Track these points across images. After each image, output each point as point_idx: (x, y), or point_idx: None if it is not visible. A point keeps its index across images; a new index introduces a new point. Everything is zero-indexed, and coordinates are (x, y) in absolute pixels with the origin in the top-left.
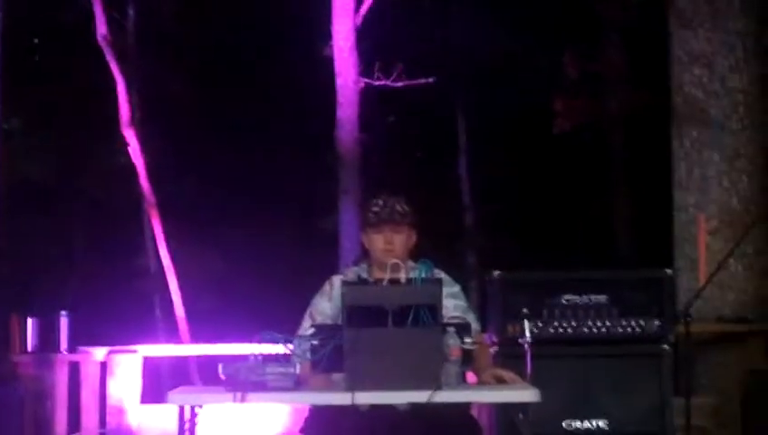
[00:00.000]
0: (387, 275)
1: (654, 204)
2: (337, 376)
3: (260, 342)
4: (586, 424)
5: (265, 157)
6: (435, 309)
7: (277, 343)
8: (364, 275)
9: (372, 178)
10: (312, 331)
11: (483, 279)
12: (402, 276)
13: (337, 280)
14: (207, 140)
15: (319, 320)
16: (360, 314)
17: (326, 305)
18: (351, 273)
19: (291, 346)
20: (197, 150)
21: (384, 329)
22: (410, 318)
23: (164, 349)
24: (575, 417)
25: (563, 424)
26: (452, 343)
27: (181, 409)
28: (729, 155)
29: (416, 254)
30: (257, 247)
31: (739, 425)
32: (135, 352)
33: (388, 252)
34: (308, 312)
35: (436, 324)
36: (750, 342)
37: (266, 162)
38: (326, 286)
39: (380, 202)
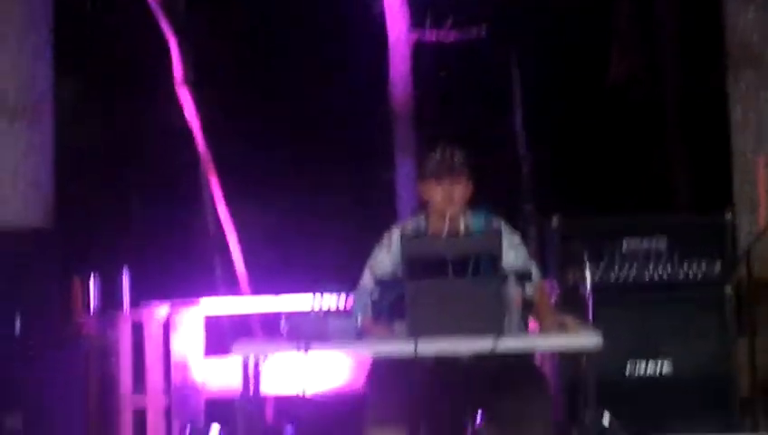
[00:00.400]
0: (446, 226)
1: (712, 148)
2: (399, 326)
3: (321, 295)
4: (650, 369)
5: (320, 111)
6: (495, 259)
7: (338, 296)
8: (423, 226)
9: (427, 132)
10: (372, 283)
11: (541, 227)
12: (461, 227)
13: (396, 232)
14: (260, 97)
15: (378, 273)
16: (420, 266)
17: (385, 257)
18: (410, 224)
19: (351, 299)
20: (250, 108)
21: (444, 280)
22: (470, 268)
23: (226, 304)
24: (639, 361)
25: (627, 369)
26: (513, 291)
27: (245, 360)
28: None
29: (472, 204)
30: (315, 202)
31: None
32: (197, 306)
33: (448, 203)
34: (368, 265)
35: (497, 274)
36: None
37: (321, 116)
38: (385, 239)
39: (439, 154)
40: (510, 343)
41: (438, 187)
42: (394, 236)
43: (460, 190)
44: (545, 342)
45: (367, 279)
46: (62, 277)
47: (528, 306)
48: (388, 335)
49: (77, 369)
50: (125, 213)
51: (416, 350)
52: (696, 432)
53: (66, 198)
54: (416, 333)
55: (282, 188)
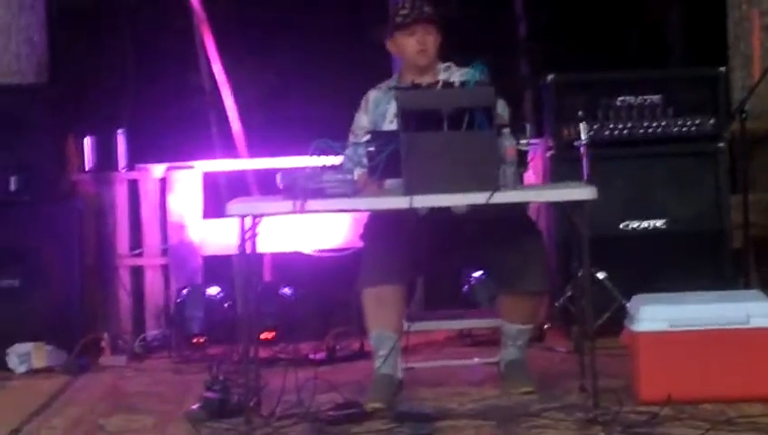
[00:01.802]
0: (419, 79)
1: (706, 2)
2: (390, 183)
3: (316, 151)
4: (644, 224)
5: None
6: (489, 111)
7: (332, 151)
8: (394, 85)
9: None
10: (366, 138)
11: (537, 85)
12: (438, 78)
13: (372, 93)
14: None
15: (359, 133)
16: (414, 118)
17: (363, 119)
18: (384, 85)
19: (347, 152)
20: None
21: (439, 132)
22: (465, 121)
23: (222, 163)
24: (633, 217)
25: (621, 225)
26: (508, 144)
27: (241, 220)
28: None
29: (466, 60)
30: (310, 61)
31: None
32: (192, 167)
33: (421, 53)
34: (351, 130)
35: (492, 126)
36: None
37: None
38: (362, 102)
39: (408, 4)
40: (505, 196)
41: (411, 38)
42: (370, 97)
43: (432, 41)
44: (539, 194)
45: (351, 141)
46: (57, 136)
47: (523, 159)
48: (381, 193)
49: (72, 227)
50: (120, 71)
51: (411, 203)
52: (689, 287)
53: (60, 56)
54: (411, 185)
55: (277, 47)
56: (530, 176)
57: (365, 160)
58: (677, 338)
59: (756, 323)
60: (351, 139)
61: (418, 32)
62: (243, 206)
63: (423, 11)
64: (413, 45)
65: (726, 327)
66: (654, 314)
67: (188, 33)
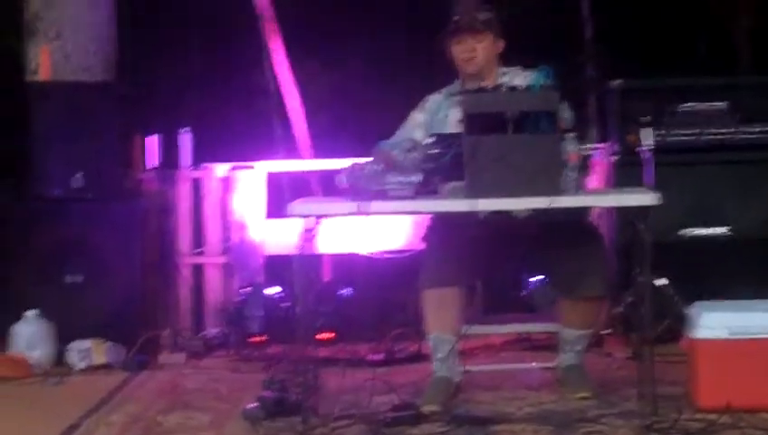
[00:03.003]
0: (479, 85)
1: None
2: (453, 185)
3: (378, 153)
4: (707, 231)
5: None
6: (553, 115)
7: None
8: (455, 90)
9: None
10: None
11: (602, 90)
12: (489, 84)
13: (432, 97)
14: None
15: (409, 127)
16: (478, 121)
17: (419, 117)
18: (445, 90)
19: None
20: None
21: (503, 136)
22: (529, 124)
23: (285, 164)
24: (696, 224)
25: (685, 231)
26: (570, 148)
27: (302, 220)
28: None
29: (504, 62)
30: (376, 63)
31: None
32: (253, 167)
33: (468, 61)
34: (403, 124)
35: (555, 130)
36: None
37: None
38: (420, 103)
39: (461, 11)
40: (566, 201)
41: (458, 45)
42: (430, 99)
43: (484, 47)
44: (602, 199)
45: (399, 134)
46: (123, 134)
47: (585, 164)
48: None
49: (135, 224)
50: (184, 70)
51: (473, 207)
52: (751, 296)
53: (128, 54)
54: (473, 188)
55: (345, 48)
56: (593, 181)
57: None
58: (737, 346)
59: None
60: (400, 130)
61: (467, 40)
62: (305, 206)
63: (474, 19)
64: (460, 53)
65: None
66: (713, 322)
67: (255, 32)
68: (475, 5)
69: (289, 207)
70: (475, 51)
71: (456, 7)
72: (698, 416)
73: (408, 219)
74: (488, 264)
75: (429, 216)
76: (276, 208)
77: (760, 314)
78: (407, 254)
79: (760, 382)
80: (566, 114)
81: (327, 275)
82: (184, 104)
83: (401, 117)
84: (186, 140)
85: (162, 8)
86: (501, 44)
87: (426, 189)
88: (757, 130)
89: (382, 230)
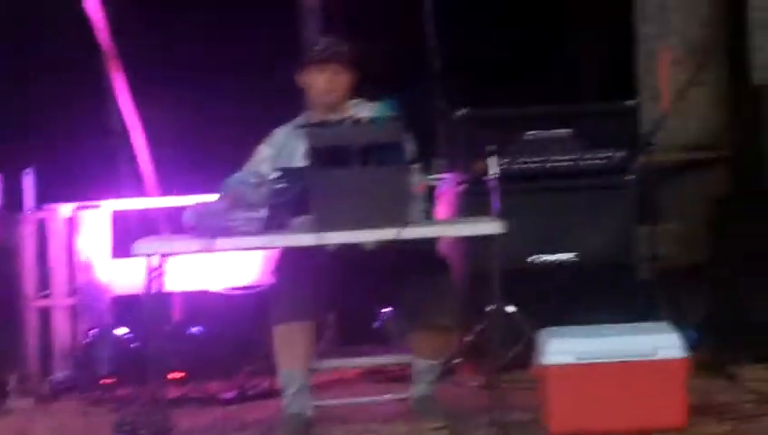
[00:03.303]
0: (328, 116)
1: (615, 37)
2: (300, 220)
3: (225, 189)
4: (554, 257)
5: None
6: (398, 147)
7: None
8: (302, 122)
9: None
10: (275, 175)
11: (449, 119)
12: (345, 116)
13: (279, 130)
14: None
15: (255, 162)
16: (324, 154)
17: (266, 151)
18: (292, 124)
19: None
20: (160, 4)
21: (347, 169)
22: (374, 156)
23: (130, 202)
24: (543, 251)
25: (532, 258)
26: (417, 179)
27: (147, 259)
28: None
29: (376, 96)
30: (222, 99)
31: (703, 250)
32: (99, 206)
33: (329, 92)
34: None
35: (401, 162)
36: (713, 169)
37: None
38: (267, 137)
39: (323, 42)
40: (414, 232)
41: (320, 75)
42: (277, 133)
43: (341, 80)
44: (448, 229)
45: (247, 167)
46: None
47: (431, 195)
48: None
49: None
50: (24, 110)
51: (320, 240)
52: (599, 320)
53: None
54: (320, 222)
55: (188, 87)
56: (441, 210)
57: (240, 187)
58: (585, 371)
59: (663, 354)
60: (246, 166)
61: (329, 70)
62: (150, 244)
63: (336, 50)
64: (321, 83)
65: (633, 359)
66: (561, 348)
67: (98, 70)
68: (331, 38)
69: (134, 246)
70: (335, 82)
71: (307, 36)
72: None
73: (259, 254)
74: (339, 297)
75: (279, 251)
76: (123, 248)
77: (607, 339)
78: (258, 289)
79: (609, 406)
80: (409, 146)
81: (177, 313)
82: (26, 144)
83: (249, 152)
84: (29, 181)
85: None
86: (355, 77)
87: (273, 224)
88: (601, 156)
89: (233, 266)
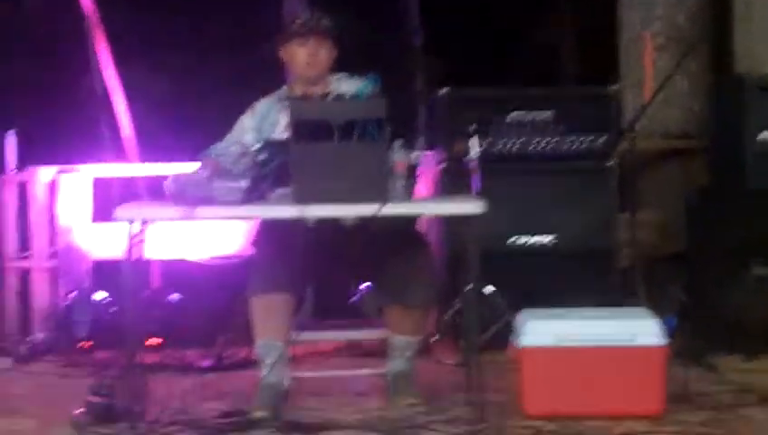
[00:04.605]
0: (310, 90)
1: (599, 23)
2: (281, 192)
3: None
4: (533, 239)
5: None
6: (381, 123)
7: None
8: (284, 95)
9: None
10: (258, 146)
11: (430, 99)
12: (326, 90)
13: (261, 102)
14: None
15: (238, 132)
16: (306, 128)
17: (248, 122)
18: (274, 95)
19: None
20: None
21: (330, 144)
22: (356, 132)
23: (112, 168)
24: (522, 232)
25: (510, 240)
26: (398, 157)
27: (129, 224)
28: None
29: (360, 72)
30: (203, 68)
31: (683, 239)
32: (79, 171)
33: (311, 65)
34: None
35: (382, 139)
36: (694, 158)
37: None
38: (249, 109)
39: (305, 15)
40: (394, 209)
41: (302, 48)
42: (259, 104)
43: (324, 53)
44: (428, 207)
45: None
46: None
47: (412, 172)
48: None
49: None
50: (8, 72)
51: (301, 214)
52: (576, 304)
53: None
54: (301, 196)
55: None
56: (421, 189)
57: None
58: (562, 354)
59: (641, 341)
60: (228, 135)
61: (311, 43)
62: (131, 211)
63: (319, 23)
64: (303, 56)
65: (612, 345)
66: (539, 330)
67: (81, 36)
68: (312, 11)
69: (116, 211)
70: (317, 54)
71: (288, 10)
72: (525, 423)
73: (240, 225)
74: (317, 271)
75: (259, 222)
76: (103, 213)
77: (585, 322)
78: (237, 260)
79: (585, 390)
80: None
81: (156, 280)
82: (9, 106)
83: (231, 121)
84: (11, 142)
85: None
86: (335, 52)
87: (254, 195)
88: (581, 139)
89: (213, 236)
